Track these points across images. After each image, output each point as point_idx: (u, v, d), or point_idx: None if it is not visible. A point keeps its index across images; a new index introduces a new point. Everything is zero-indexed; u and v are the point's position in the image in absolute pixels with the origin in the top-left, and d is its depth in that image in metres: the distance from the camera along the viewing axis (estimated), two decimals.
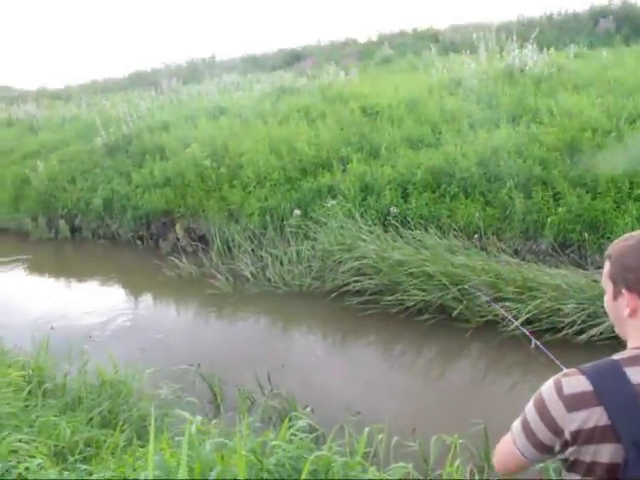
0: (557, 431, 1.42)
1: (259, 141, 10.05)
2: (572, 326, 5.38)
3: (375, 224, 7.39)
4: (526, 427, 1.50)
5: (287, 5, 47.51)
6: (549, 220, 6.55)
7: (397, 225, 7.22)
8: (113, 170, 11.61)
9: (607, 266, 1.55)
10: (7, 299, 8.60)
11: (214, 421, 3.94)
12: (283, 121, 10.88)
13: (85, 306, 8.01)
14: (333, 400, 4.94)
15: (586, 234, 6.30)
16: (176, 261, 8.53)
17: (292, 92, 13.46)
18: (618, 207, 6.41)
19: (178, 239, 9.66)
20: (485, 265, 6.13)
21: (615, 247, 1.54)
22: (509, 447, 1.58)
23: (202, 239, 9.27)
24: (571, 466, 1.44)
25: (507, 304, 5.60)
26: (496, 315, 5.62)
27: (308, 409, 4.11)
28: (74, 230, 11.61)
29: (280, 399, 4.84)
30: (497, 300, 5.63)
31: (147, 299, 8.33)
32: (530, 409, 1.49)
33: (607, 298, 1.56)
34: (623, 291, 1.48)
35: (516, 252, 6.65)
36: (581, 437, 1.38)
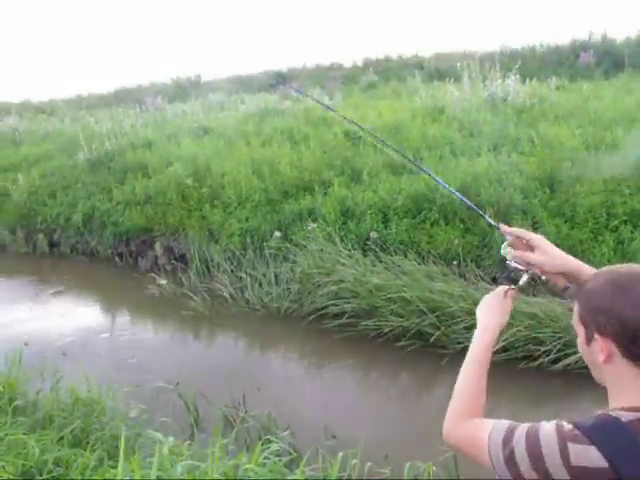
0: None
1: (242, 162, 10.06)
2: (548, 354, 5.42)
3: (355, 248, 7.40)
4: (509, 452, 1.33)
5: (274, 27, 47.82)
6: None
7: (377, 250, 7.24)
8: (94, 186, 11.54)
9: (576, 308, 1.43)
10: None
11: (187, 442, 3.90)
12: (266, 142, 10.91)
13: (61, 322, 7.93)
14: (309, 423, 4.91)
15: None
16: (155, 279, 8.48)
17: (276, 114, 13.52)
18: (595, 237, 6.49)
19: (157, 257, 9.62)
20: (463, 292, 6.15)
21: (584, 287, 1.42)
22: (479, 435, 1.45)
23: (181, 258, 9.23)
24: None
25: None
26: None
27: (287, 432, 4.09)
28: (52, 245, 11.51)
29: (255, 421, 4.82)
30: (474, 328, 5.64)
31: (124, 317, 8.26)
32: (521, 450, 1.31)
33: (580, 342, 1.43)
34: (596, 335, 1.34)
35: (494, 280, 6.67)
36: None
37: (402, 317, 6.18)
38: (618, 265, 1.42)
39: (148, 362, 6.51)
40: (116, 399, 4.87)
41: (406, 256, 7.01)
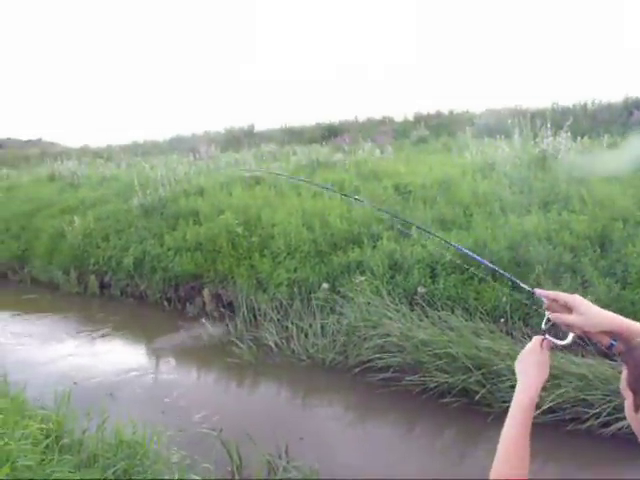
0: None
1: (292, 213, 10.19)
2: (597, 417, 5.30)
3: (402, 302, 7.40)
4: None
5: (327, 80, 48.69)
6: None
7: (423, 305, 7.23)
8: (147, 231, 11.81)
9: (625, 373, 1.39)
10: (33, 352, 8.70)
11: None
12: (317, 194, 11.04)
13: (109, 364, 8.08)
14: (352, 476, 4.89)
15: None
16: (202, 325, 8.58)
17: (327, 166, 13.68)
18: None
19: (205, 304, 9.74)
20: (510, 350, 6.08)
21: (634, 353, 1.38)
22: None
23: (229, 305, 9.33)
24: None
25: None
26: None
27: None
28: (103, 287, 11.78)
29: (298, 472, 4.81)
30: None
31: (170, 361, 8.36)
32: None
33: (627, 407, 1.39)
34: None
35: None
36: None
37: (448, 373, 6.14)
38: None
39: (192, 407, 6.55)
40: (159, 442, 4.93)
41: (453, 312, 6.98)
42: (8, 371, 6.46)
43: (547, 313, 1.74)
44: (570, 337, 1.75)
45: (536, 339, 1.75)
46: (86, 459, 4.53)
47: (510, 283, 7.03)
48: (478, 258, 2.22)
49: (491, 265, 2.23)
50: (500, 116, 15.91)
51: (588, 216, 7.80)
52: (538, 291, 1.78)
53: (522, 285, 1.98)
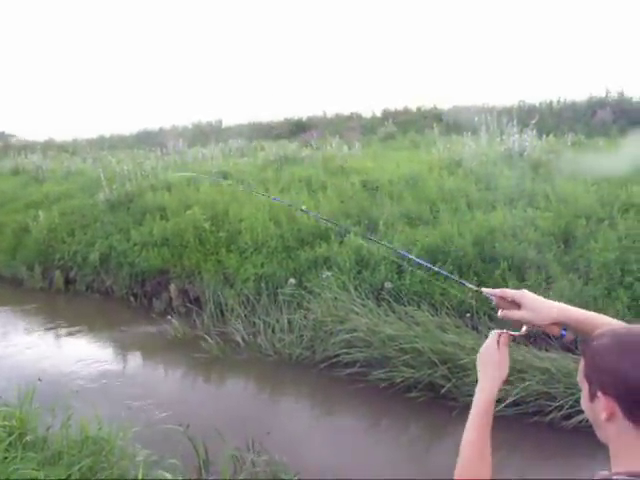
0: None
1: (259, 208, 10.17)
2: (560, 410, 5.39)
3: (368, 298, 7.43)
4: None
5: (295, 76, 48.63)
6: None
7: (390, 300, 7.27)
8: (113, 226, 11.70)
9: (582, 364, 1.43)
10: None
11: None
12: (284, 190, 11.03)
13: (74, 359, 7.99)
14: (318, 469, 4.91)
15: None
16: (169, 321, 8.53)
17: (295, 162, 13.68)
18: (609, 294, 6.50)
19: (172, 299, 9.68)
20: (475, 345, 6.13)
21: (590, 345, 1.41)
22: None
23: (196, 301, 9.28)
24: None
25: None
26: None
27: (296, 478, 4.09)
28: (68, 282, 11.64)
29: (265, 465, 4.82)
30: None
31: (137, 357, 8.30)
32: None
33: (583, 398, 1.43)
34: (599, 394, 1.34)
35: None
36: None
37: (414, 368, 6.19)
38: (625, 325, 1.46)
39: (159, 403, 6.51)
40: (125, 439, 4.90)
41: (419, 307, 7.03)
42: None
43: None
44: (524, 328, 1.78)
45: (493, 335, 1.78)
46: (50, 456, 4.48)
47: (476, 278, 7.13)
48: (419, 261, 2.41)
49: (433, 267, 2.35)
50: (467, 113, 16.04)
51: (553, 213, 7.91)
52: (485, 290, 1.85)
53: (468, 285, 2.07)
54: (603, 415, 1.33)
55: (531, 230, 7.56)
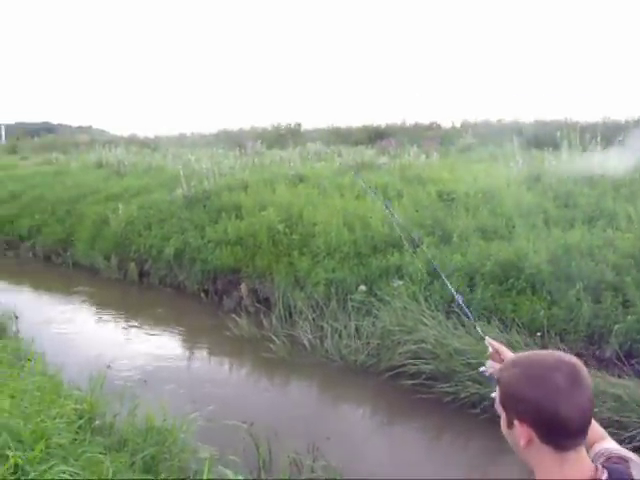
0: None
1: (334, 213, 10.21)
2: (630, 442, 5.21)
3: (438, 309, 7.36)
4: None
5: (375, 83, 48.70)
6: (616, 327, 6.40)
7: (460, 313, 7.19)
8: (189, 222, 11.95)
9: (497, 392, 1.50)
10: (70, 333, 8.88)
11: None
12: (360, 196, 11.03)
13: (144, 350, 8.22)
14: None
15: None
16: (237, 319, 8.65)
17: (372, 168, 13.66)
18: None
19: (242, 298, 9.81)
20: None
21: (503, 374, 1.48)
22: None
23: (265, 301, 9.39)
24: None
25: None
26: None
27: None
28: (142, 275, 11.97)
29: (323, 471, 4.83)
30: None
31: (204, 352, 8.46)
32: None
33: (502, 424, 1.49)
34: (515, 422, 1.42)
35: (578, 356, 6.40)
36: None
37: (480, 384, 6.10)
38: (532, 353, 1.51)
39: (224, 399, 6.62)
40: (188, 432, 5.00)
41: (489, 322, 6.92)
42: (47, 351, 6.61)
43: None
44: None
45: None
46: (116, 442, 4.62)
47: (549, 297, 6.97)
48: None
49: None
50: (549, 128, 15.74)
51: (633, 234, 7.67)
52: (488, 340, 2.00)
53: (477, 329, 2.40)
54: (522, 442, 1.40)
55: (610, 251, 7.35)
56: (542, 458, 1.39)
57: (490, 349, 1.95)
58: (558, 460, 1.37)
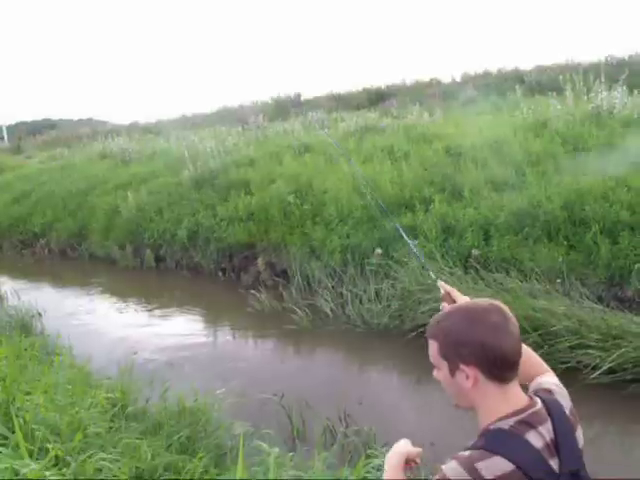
0: None
1: (342, 179, 10.19)
2: None
3: (456, 265, 7.37)
4: None
5: (371, 44, 48.23)
6: (636, 266, 6.40)
7: (478, 267, 7.19)
8: (199, 203, 11.97)
9: (435, 346, 1.59)
10: (94, 324, 8.96)
11: (290, 454, 4.00)
12: (367, 160, 10.99)
13: (168, 334, 8.27)
14: (410, 439, 4.93)
15: None
16: (257, 294, 8.70)
17: (376, 131, 13.58)
18: None
19: (259, 273, 9.85)
20: (567, 311, 6.01)
21: (439, 326, 1.59)
22: None
23: (283, 274, 9.42)
24: None
25: (590, 352, 5.49)
26: (579, 362, 5.51)
27: (385, 448, 4.11)
28: (159, 260, 12.02)
29: (356, 435, 4.88)
30: (579, 347, 5.54)
31: (227, 330, 8.51)
32: None
33: (442, 376, 1.59)
34: (461, 366, 1.51)
35: (600, 299, 6.47)
36: None
37: None
38: (465, 302, 1.75)
39: (252, 374, 6.68)
40: (220, 410, 5.06)
41: (508, 273, 6.92)
42: (73, 344, 6.69)
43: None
44: None
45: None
46: (151, 427, 4.68)
47: (566, 243, 6.95)
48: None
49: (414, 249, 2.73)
50: (551, 72, 15.54)
51: None
52: (440, 283, 2.12)
53: (431, 274, 2.42)
54: (469, 383, 1.51)
55: (623, 191, 7.29)
56: (487, 394, 1.51)
57: (442, 291, 2.07)
58: (502, 393, 1.50)
